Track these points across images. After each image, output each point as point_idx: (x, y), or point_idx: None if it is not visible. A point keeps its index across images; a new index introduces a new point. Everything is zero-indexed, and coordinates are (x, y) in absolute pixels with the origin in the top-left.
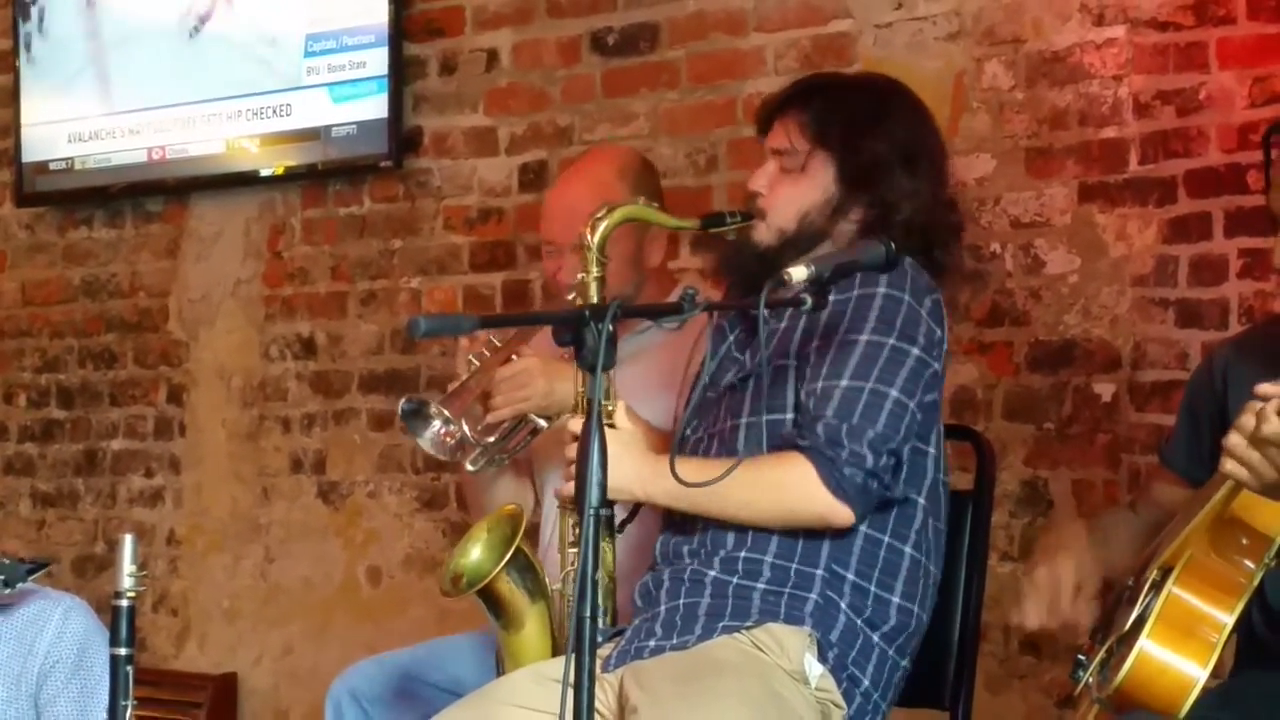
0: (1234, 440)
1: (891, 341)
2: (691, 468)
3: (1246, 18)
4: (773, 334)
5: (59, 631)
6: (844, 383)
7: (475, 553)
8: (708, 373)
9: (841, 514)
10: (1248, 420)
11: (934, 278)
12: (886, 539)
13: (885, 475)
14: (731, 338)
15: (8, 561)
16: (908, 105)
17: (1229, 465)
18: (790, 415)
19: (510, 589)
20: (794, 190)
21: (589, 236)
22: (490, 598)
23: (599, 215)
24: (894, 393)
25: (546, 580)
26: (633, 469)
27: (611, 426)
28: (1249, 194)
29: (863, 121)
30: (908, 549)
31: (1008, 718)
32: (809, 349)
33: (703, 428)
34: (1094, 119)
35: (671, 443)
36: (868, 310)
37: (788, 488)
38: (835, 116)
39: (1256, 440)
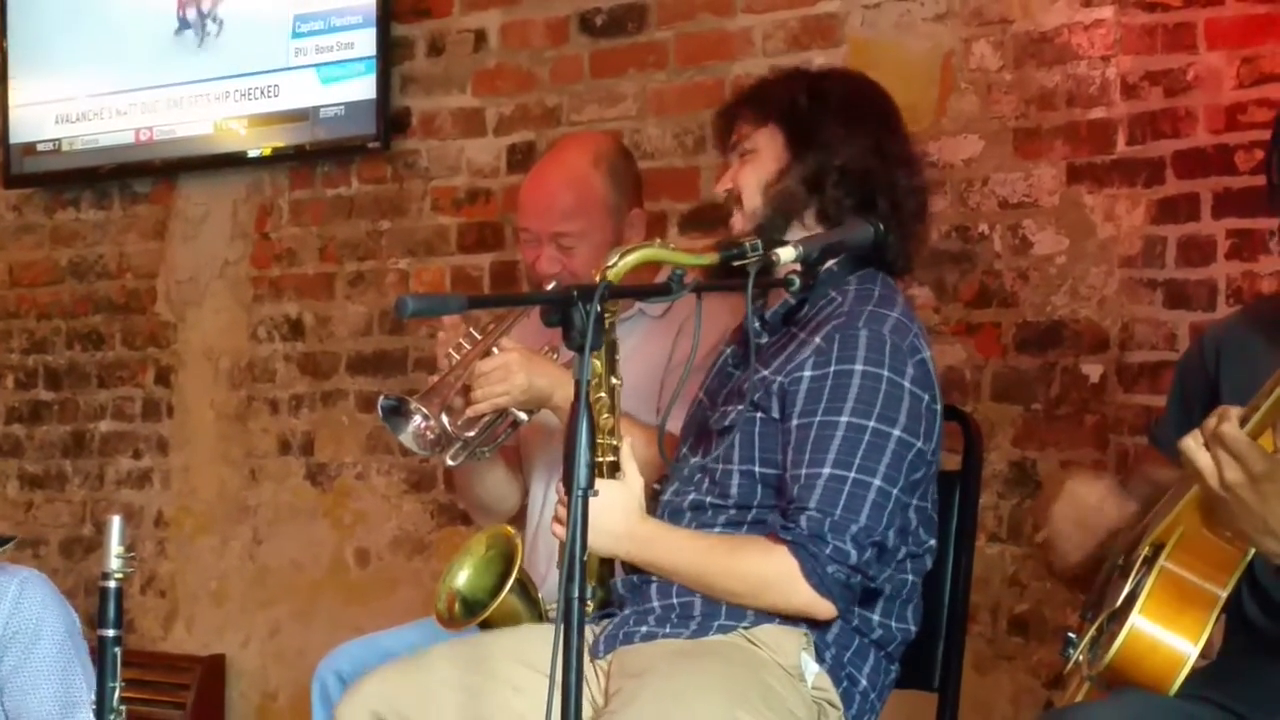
0: (1186, 441)
1: (872, 424)
2: (676, 541)
3: None
4: (759, 371)
5: (15, 604)
6: (826, 470)
7: (470, 573)
8: (689, 369)
9: (823, 609)
10: (1210, 419)
11: (900, 253)
12: None
13: (869, 569)
14: (728, 351)
15: None
16: (842, 72)
17: (1183, 459)
18: (780, 472)
19: (508, 612)
20: (750, 170)
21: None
22: (486, 621)
23: (610, 263)
24: (877, 482)
25: (542, 600)
26: (626, 529)
27: (616, 468)
28: (1237, 175)
29: (799, 89)
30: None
31: (996, 698)
32: (792, 424)
33: (699, 451)
34: (1082, 100)
35: (680, 444)
36: (846, 389)
37: (771, 584)
38: (770, 93)
39: (1211, 436)
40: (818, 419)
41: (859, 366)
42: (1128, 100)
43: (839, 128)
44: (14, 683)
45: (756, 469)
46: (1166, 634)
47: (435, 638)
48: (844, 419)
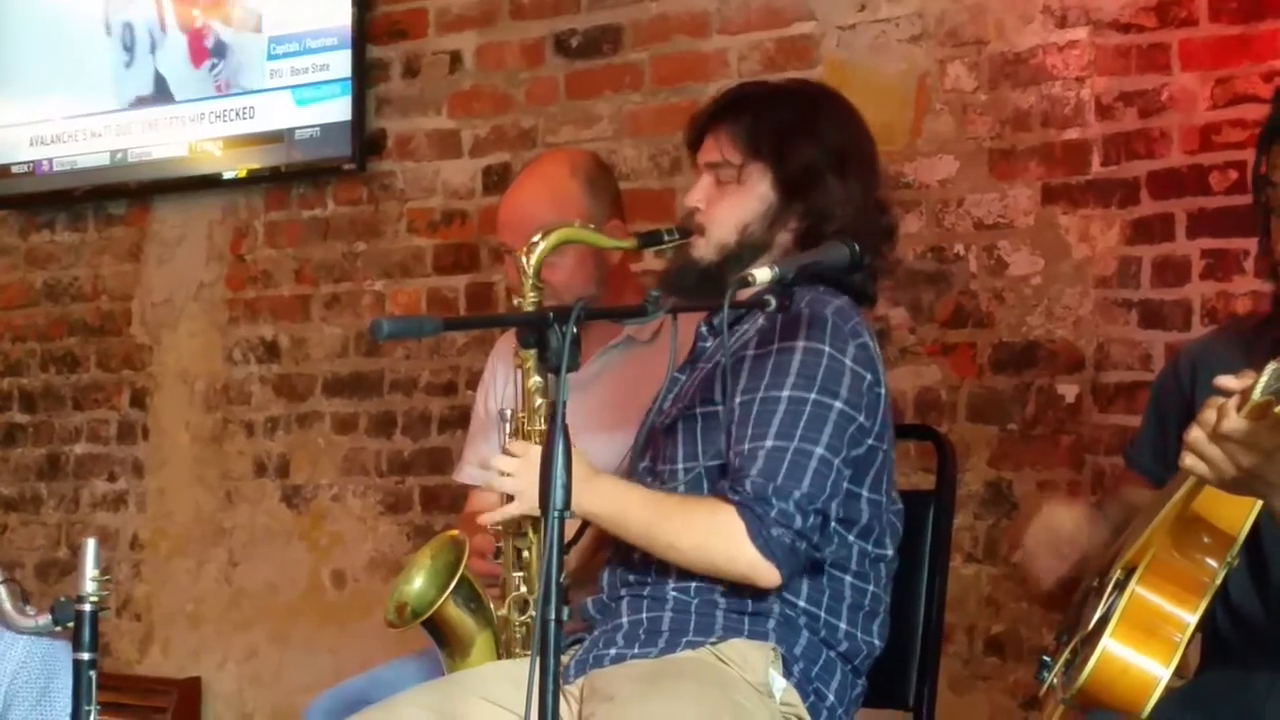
0: (1195, 435)
1: (813, 396)
2: (627, 492)
3: (1208, 19)
4: (709, 369)
5: (24, 660)
6: (769, 443)
7: (419, 582)
8: (668, 393)
9: (767, 573)
10: (1209, 415)
11: (868, 284)
12: (826, 567)
13: (813, 535)
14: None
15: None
16: (836, 109)
17: (1189, 460)
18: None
19: (456, 618)
20: (732, 203)
21: (525, 261)
22: (435, 627)
23: (534, 240)
24: (819, 450)
25: (491, 607)
26: (579, 475)
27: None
28: (1212, 195)
29: (793, 128)
30: (848, 578)
31: (972, 718)
32: (735, 402)
33: (646, 455)
34: (1057, 120)
35: (632, 454)
36: (788, 366)
37: (715, 541)
38: (766, 125)
39: (1217, 436)
40: (760, 395)
41: (800, 343)
42: (1102, 121)
43: (834, 179)
44: None
45: (700, 464)
46: (1137, 657)
47: (410, 678)
48: (786, 394)
